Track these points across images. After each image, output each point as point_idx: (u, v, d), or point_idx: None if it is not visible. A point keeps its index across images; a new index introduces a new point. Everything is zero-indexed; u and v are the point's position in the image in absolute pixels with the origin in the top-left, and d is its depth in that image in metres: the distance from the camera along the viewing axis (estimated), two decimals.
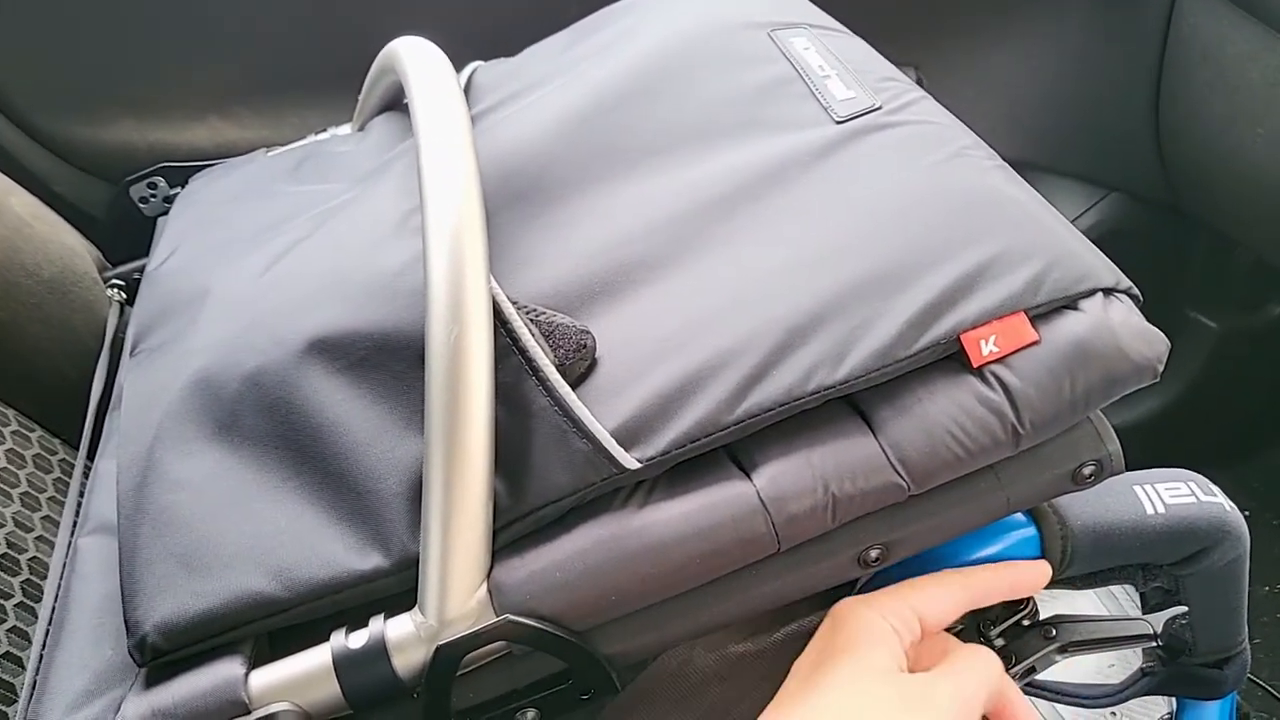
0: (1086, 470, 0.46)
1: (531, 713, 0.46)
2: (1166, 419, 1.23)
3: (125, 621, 0.45)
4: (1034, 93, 1.10)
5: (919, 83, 0.78)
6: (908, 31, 1.03)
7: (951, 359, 0.45)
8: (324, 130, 0.84)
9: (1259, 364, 1.23)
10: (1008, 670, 0.54)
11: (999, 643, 0.53)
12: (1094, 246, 0.47)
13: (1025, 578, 0.49)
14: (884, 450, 0.43)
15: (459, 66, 0.66)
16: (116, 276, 0.78)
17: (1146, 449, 0.60)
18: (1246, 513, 1.19)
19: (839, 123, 0.54)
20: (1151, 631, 0.57)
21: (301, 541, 0.45)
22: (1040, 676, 0.62)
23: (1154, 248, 1.18)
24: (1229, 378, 1.22)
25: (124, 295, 0.77)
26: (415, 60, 0.60)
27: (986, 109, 1.09)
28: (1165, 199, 1.12)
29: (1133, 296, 0.45)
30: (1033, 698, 0.78)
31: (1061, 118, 1.11)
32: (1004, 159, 0.52)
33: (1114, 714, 0.89)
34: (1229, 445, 1.27)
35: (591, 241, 0.54)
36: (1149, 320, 0.44)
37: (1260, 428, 1.27)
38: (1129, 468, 0.47)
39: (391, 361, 0.49)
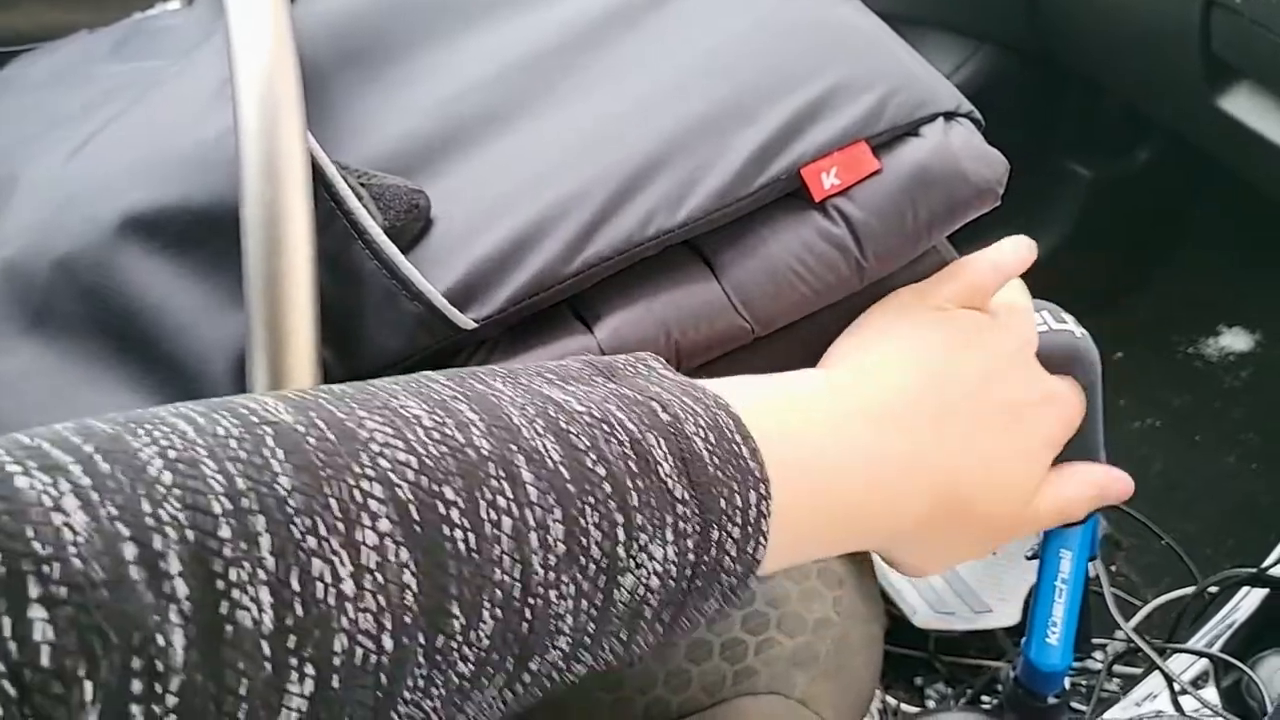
0: None
1: None
2: (1043, 266, 1.25)
3: None
4: None
5: None
6: None
7: (794, 195, 0.44)
8: (152, 6, 0.78)
9: (1130, 208, 1.25)
10: None
11: None
12: (936, 71, 0.46)
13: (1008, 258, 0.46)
14: (726, 293, 0.42)
15: None
16: None
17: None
18: (1121, 354, 1.23)
19: None
20: None
21: None
22: None
23: (1027, 98, 1.18)
24: (1102, 223, 1.24)
25: None
26: None
27: None
28: (1037, 49, 1.11)
29: (974, 120, 0.44)
30: None
31: None
32: (875, 12, 0.50)
33: (994, 552, 0.92)
34: (1105, 289, 1.30)
35: (429, 100, 0.52)
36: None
37: (1134, 270, 1.30)
38: None
39: (212, 237, 0.47)
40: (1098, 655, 0.87)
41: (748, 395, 0.31)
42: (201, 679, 0.20)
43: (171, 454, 0.21)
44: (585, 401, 0.27)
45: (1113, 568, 1.05)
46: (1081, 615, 0.69)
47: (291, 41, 0.48)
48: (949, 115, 0.44)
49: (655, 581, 0.26)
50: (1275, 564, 0.72)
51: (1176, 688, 0.64)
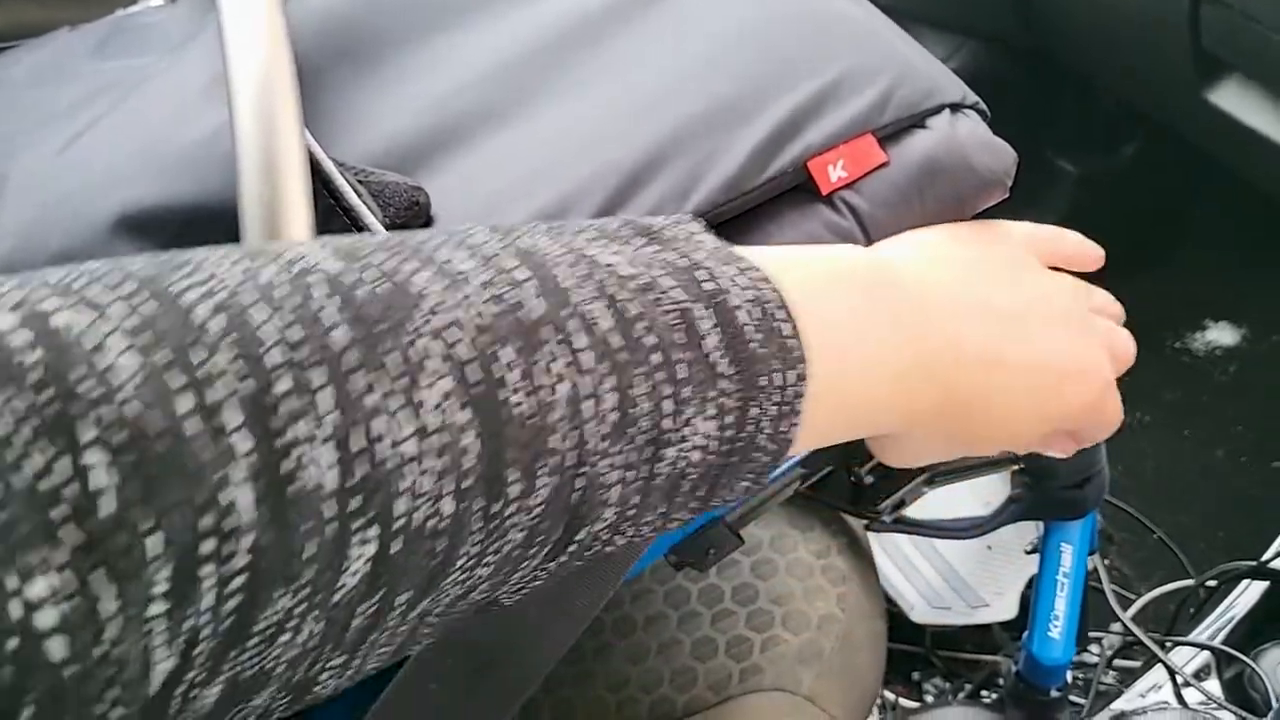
0: None
1: None
2: None
3: None
4: None
5: None
6: None
7: (800, 189, 0.43)
8: (134, 3, 0.76)
9: (1117, 204, 1.26)
10: (877, 504, 0.55)
11: (869, 479, 0.53)
12: (940, 63, 0.45)
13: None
14: None
15: None
16: None
17: None
18: None
19: None
20: (1014, 454, 0.58)
21: None
22: (924, 516, 0.63)
23: (1014, 94, 1.18)
24: (1090, 219, 1.24)
25: None
26: None
27: None
28: (1024, 44, 1.11)
29: (980, 111, 0.44)
30: (910, 536, 0.80)
31: None
32: None
33: (990, 547, 0.92)
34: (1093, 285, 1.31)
35: (425, 95, 0.51)
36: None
37: (1121, 266, 1.30)
38: None
39: (208, 236, 0.45)
40: (1094, 649, 0.87)
41: (788, 267, 0.30)
42: (269, 540, 0.19)
43: (217, 298, 0.20)
44: (633, 265, 0.26)
45: (1106, 562, 1.06)
46: (1080, 609, 0.69)
47: (286, 38, 0.47)
48: (955, 107, 0.44)
49: (696, 455, 0.26)
50: (1275, 557, 0.72)
51: (1180, 680, 0.64)
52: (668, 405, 0.25)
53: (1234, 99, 0.85)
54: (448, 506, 0.21)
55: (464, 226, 0.26)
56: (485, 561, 0.23)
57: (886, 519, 0.56)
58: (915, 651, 0.94)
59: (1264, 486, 1.14)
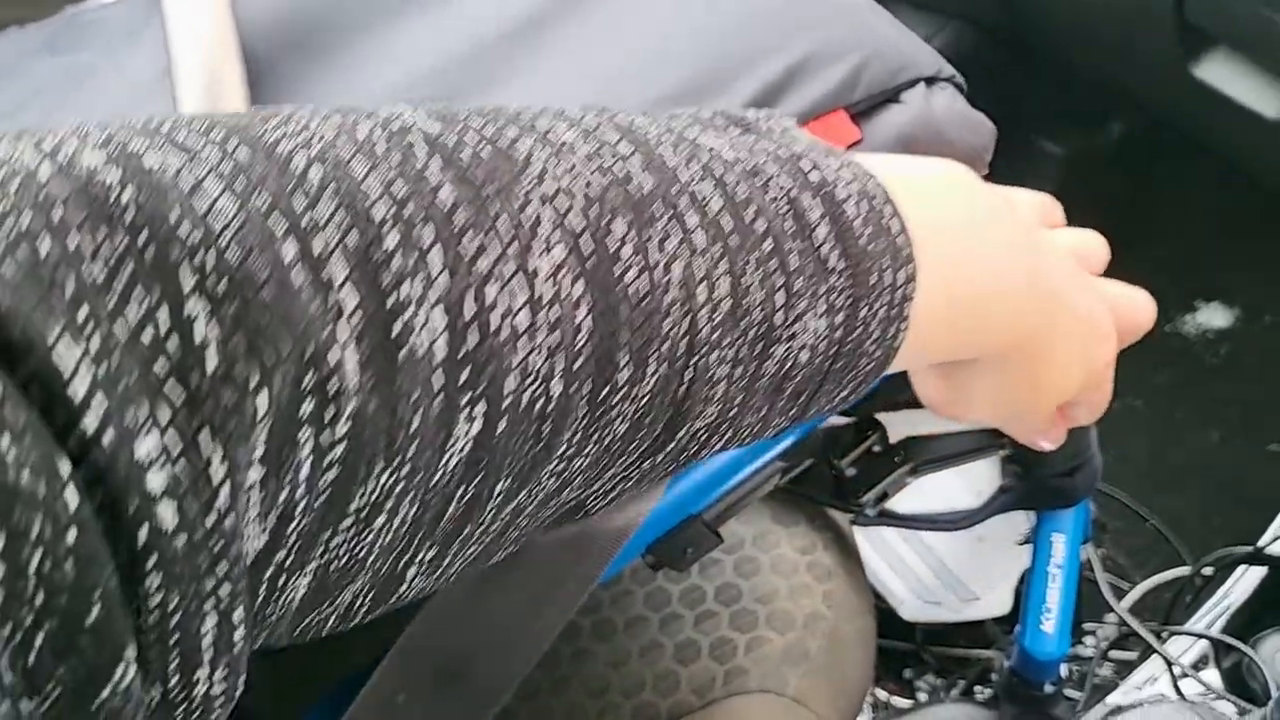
0: None
1: None
2: None
3: None
4: None
5: None
6: None
7: None
8: None
9: (1103, 185, 1.24)
10: (860, 496, 0.53)
11: (850, 471, 0.52)
12: (915, 36, 0.43)
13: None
14: None
15: None
16: None
17: None
18: None
19: None
20: (1001, 441, 0.56)
21: None
22: (913, 508, 0.61)
23: (996, 75, 1.16)
24: (1075, 201, 1.23)
25: None
26: None
27: None
28: (1006, 24, 1.10)
29: (956, 84, 0.42)
30: (900, 529, 0.78)
31: None
32: None
33: (981, 539, 0.90)
34: None
35: (380, 87, 0.50)
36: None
37: (1113, 248, 1.29)
38: None
39: None
40: (1089, 640, 0.85)
41: (891, 166, 0.28)
42: (374, 407, 0.17)
43: (315, 150, 0.18)
44: (736, 150, 0.24)
45: (1100, 551, 1.04)
46: (1073, 601, 0.67)
47: (233, 30, 0.46)
48: (930, 80, 0.42)
49: (804, 355, 0.24)
50: (1272, 542, 0.70)
51: (1177, 671, 0.63)
52: (780, 297, 0.23)
53: (1220, 72, 0.83)
54: (556, 387, 0.20)
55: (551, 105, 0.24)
56: (585, 451, 0.21)
57: (870, 512, 0.54)
58: (907, 649, 0.92)
59: (1258, 469, 1.13)
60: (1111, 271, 0.38)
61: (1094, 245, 0.36)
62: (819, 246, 0.24)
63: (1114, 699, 0.66)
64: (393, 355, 0.17)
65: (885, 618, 0.88)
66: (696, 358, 0.22)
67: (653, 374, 0.21)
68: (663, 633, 0.63)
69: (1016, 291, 0.29)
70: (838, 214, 0.24)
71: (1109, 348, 0.34)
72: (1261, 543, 0.70)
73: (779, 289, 0.23)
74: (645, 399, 0.22)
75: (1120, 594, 0.74)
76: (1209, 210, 1.27)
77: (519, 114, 0.22)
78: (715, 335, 0.22)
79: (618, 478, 0.24)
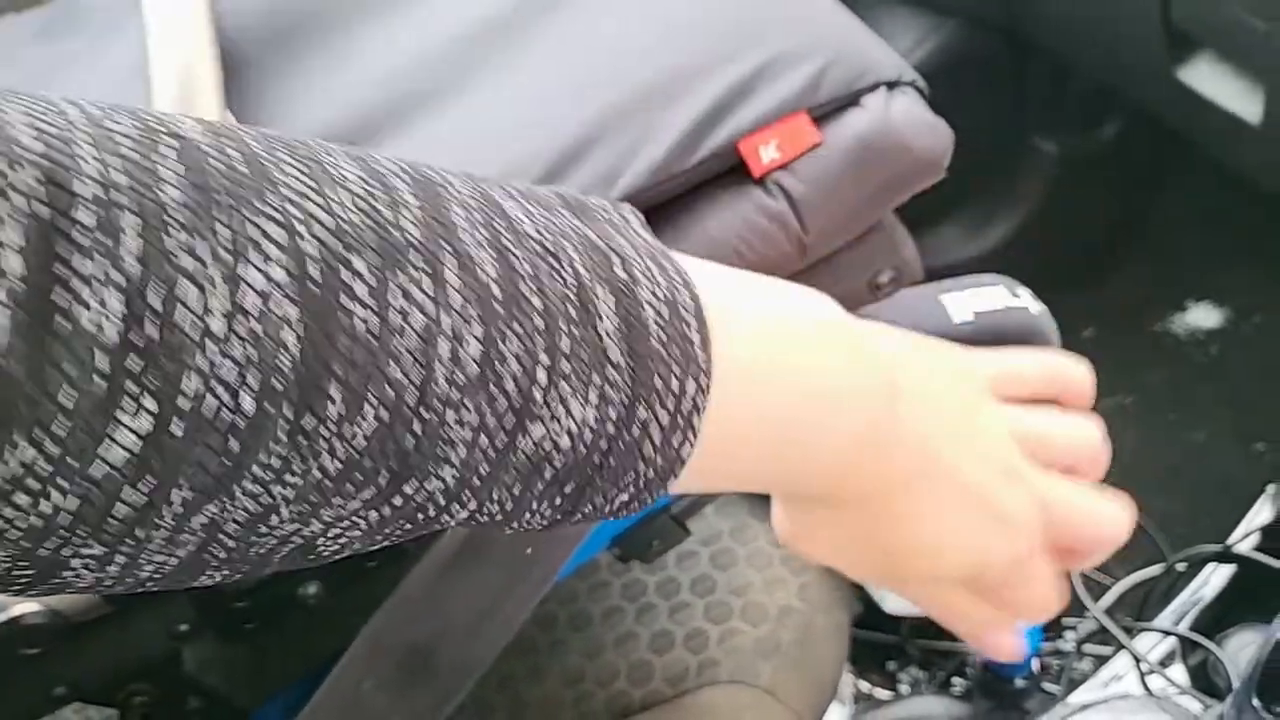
0: (883, 279, 0.44)
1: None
2: (1013, 246, 1.24)
3: None
4: None
5: None
6: None
7: (735, 171, 0.42)
8: None
9: (1098, 184, 1.24)
10: None
11: None
12: (879, 39, 0.44)
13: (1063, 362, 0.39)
14: None
15: None
16: None
17: None
18: (1091, 331, 1.22)
19: None
20: None
21: None
22: None
23: (992, 75, 1.16)
24: (1070, 200, 1.23)
25: None
26: None
27: None
28: (1001, 23, 1.10)
29: (918, 89, 0.43)
30: None
31: None
32: None
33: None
34: (1073, 266, 1.29)
35: (359, 81, 0.51)
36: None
37: (1102, 247, 1.29)
38: None
39: None
40: (1069, 635, 0.86)
41: (720, 283, 0.28)
42: (20, 374, 0.17)
43: (43, 126, 0.18)
44: (541, 229, 0.24)
45: None
46: None
47: (210, 22, 0.46)
48: (891, 84, 0.42)
49: (566, 441, 0.24)
50: (1241, 540, 0.71)
51: (1144, 667, 0.63)
52: (542, 375, 0.23)
53: (1205, 76, 0.83)
54: (247, 402, 0.20)
55: (372, 152, 0.24)
56: (287, 482, 0.21)
57: None
58: (890, 641, 0.93)
59: (1246, 469, 1.13)
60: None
61: (1056, 437, 0.34)
62: (601, 336, 0.24)
63: (1079, 696, 0.67)
64: (49, 322, 0.18)
65: (870, 610, 0.89)
66: (430, 414, 0.22)
67: (372, 416, 0.21)
68: (638, 623, 0.64)
69: (853, 434, 0.29)
70: (632, 312, 0.24)
71: (1021, 544, 0.32)
72: (1230, 541, 0.71)
73: (541, 365, 0.23)
74: (362, 442, 0.21)
75: (1103, 590, 0.75)
76: (1202, 211, 1.27)
77: (314, 145, 0.22)
78: (456, 395, 0.22)
79: (343, 521, 0.23)
